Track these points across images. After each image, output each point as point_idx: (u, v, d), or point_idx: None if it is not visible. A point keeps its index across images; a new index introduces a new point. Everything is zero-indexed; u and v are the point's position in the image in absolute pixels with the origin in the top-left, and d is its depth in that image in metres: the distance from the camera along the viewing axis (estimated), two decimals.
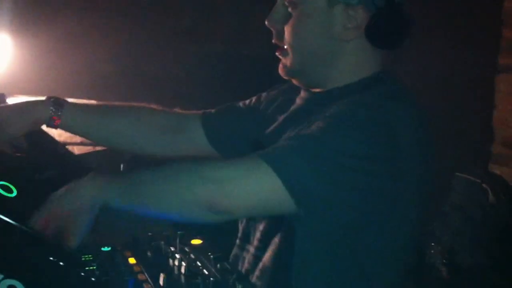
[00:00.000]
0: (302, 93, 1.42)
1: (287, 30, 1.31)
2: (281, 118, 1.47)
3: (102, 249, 1.90)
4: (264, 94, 1.60)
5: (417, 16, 3.05)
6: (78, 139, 2.42)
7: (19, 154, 1.78)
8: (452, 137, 3.08)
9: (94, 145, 2.43)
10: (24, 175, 1.77)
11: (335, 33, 1.27)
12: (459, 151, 2.98)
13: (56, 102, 1.58)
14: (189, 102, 3.37)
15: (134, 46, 3.21)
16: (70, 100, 2.52)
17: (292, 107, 1.45)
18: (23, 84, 2.72)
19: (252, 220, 1.44)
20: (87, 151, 2.36)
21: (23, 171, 1.73)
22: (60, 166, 1.89)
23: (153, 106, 1.72)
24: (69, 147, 2.27)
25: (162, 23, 3.27)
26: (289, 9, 1.29)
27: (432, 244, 1.32)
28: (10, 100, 2.38)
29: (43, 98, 1.64)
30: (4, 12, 2.57)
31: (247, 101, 1.65)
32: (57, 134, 2.39)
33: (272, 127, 1.48)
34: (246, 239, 1.47)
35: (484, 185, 2.21)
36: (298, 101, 1.42)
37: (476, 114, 3.13)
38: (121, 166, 2.42)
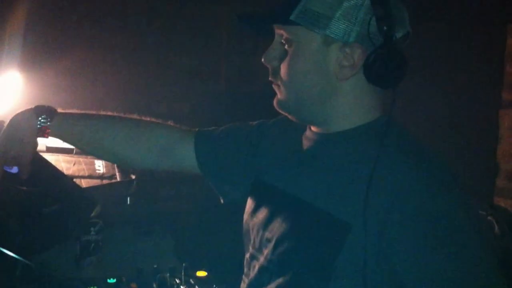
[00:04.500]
0: (308, 133, 1.40)
1: (282, 67, 1.28)
2: (281, 162, 1.41)
3: (108, 280, 1.91)
4: (267, 124, 1.58)
5: (423, 52, 3.12)
6: (85, 172, 2.44)
7: (25, 188, 1.79)
8: (457, 171, 3.08)
9: (102, 178, 2.45)
10: (30, 208, 1.79)
11: (331, 72, 1.24)
12: (464, 184, 2.98)
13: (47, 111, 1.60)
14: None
15: (141, 83, 3.26)
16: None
17: (296, 146, 1.42)
18: None
19: (255, 259, 1.41)
20: (94, 184, 2.37)
21: (30, 204, 1.74)
22: (66, 199, 1.91)
23: (151, 119, 1.69)
24: (77, 180, 2.30)
25: (168, 62, 3.33)
26: (285, 47, 1.29)
27: None
28: None
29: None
30: (14, 49, 2.61)
31: (248, 127, 1.60)
32: (65, 168, 2.43)
33: (271, 171, 1.44)
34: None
35: (489, 217, 2.21)
36: (304, 141, 1.40)
37: (480, 148, 3.14)
38: (128, 199, 2.45)
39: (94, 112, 1.69)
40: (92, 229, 2.08)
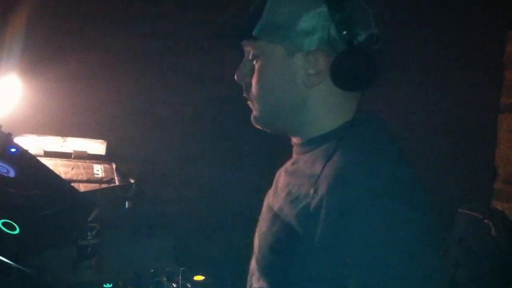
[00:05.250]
0: (293, 151, 1.40)
1: (252, 82, 1.30)
2: (276, 180, 1.44)
3: (104, 285, 1.92)
4: None
5: (422, 57, 3.13)
6: (84, 176, 2.45)
7: (21, 192, 1.80)
8: (456, 174, 3.09)
9: (100, 182, 2.46)
10: (27, 212, 1.79)
11: (299, 81, 1.25)
12: (462, 187, 2.98)
13: None
14: (197, 142, 3.43)
15: (144, 87, 3.27)
16: (79, 138, 2.59)
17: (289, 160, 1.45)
18: (32, 124, 2.77)
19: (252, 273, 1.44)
20: (93, 188, 2.38)
21: (27, 208, 1.75)
22: (63, 203, 1.92)
23: None
24: (75, 184, 2.30)
25: (171, 66, 3.33)
26: (253, 62, 1.31)
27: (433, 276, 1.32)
28: (18, 139, 2.43)
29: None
30: (13, 53, 2.61)
31: None
32: (64, 172, 2.43)
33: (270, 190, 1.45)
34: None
35: (486, 220, 2.21)
36: (290, 160, 1.40)
37: (479, 152, 3.14)
38: (126, 203, 2.45)
39: None
40: (89, 233, 2.08)
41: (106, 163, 2.56)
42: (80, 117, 3.04)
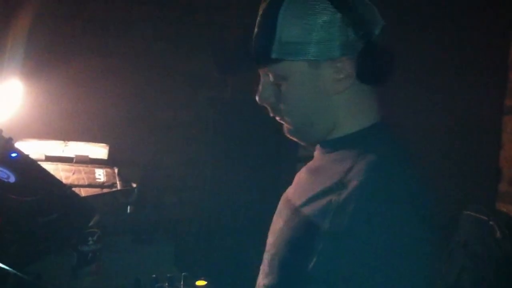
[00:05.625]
0: (315, 150, 1.40)
1: (282, 103, 1.30)
2: (296, 179, 1.44)
3: None
4: None
5: (426, 59, 3.11)
6: (85, 181, 2.44)
7: (21, 197, 1.79)
8: (460, 176, 3.08)
9: (102, 187, 2.44)
10: (25, 218, 1.78)
11: (329, 89, 1.26)
12: (467, 189, 2.97)
13: None
14: (198, 145, 3.43)
15: (146, 91, 3.26)
16: (81, 143, 2.58)
17: (307, 165, 1.46)
18: (33, 128, 2.77)
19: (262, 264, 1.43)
20: (94, 193, 2.36)
21: (25, 214, 1.74)
22: (63, 208, 1.90)
23: None
24: (76, 189, 2.29)
25: (173, 69, 3.33)
26: (277, 84, 1.30)
27: (438, 281, 1.31)
28: (19, 144, 2.42)
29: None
30: (15, 57, 2.60)
31: None
32: (65, 176, 2.42)
33: (290, 187, 1.45)
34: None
35: (491, 222, 2.20)
36: (311, 160, 1.41)
37: (483, 153, 3.13)
38: (128, 208, 2.44)
39: None
40: (90, 238, 2.07)
41: (108, 168, 2.54)
42: (82, 121, 3.03)
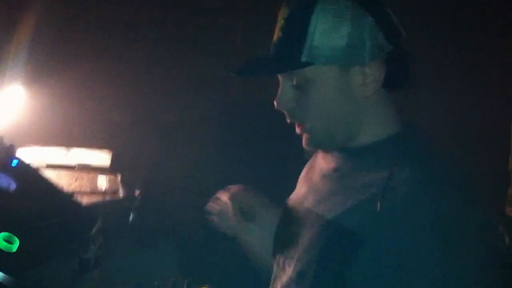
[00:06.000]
0: (327, 156, 1.38)
1: (306, 108, 1.26)
2: (305, 183, 1.43)
3: None
4: None
5: (435, 62, 3.08)
6: (88, 188, 2.42)
7: (24, 205, 1.77)
8: (469, 180, 3.04)
9: (104, 194, 2.43)
10: (27, 223, 1.76)
11: (356, 95, 1.24)
12: (482, 201, 2.94)
13: None
14: (202, 148, 3.40)
15: (150, 94, 3.24)
16: (83, 149, 2.57)
17: (318, 163, 1.43)
18: (35, 134, 2.74)
19: (277, 278, 1.40)
20: (96, 200, 2.35)
21: (28, 221, 1.72)
22: (63, 215, 1.89)
23: None
24: (78, 196, 2.27)
25: (176, 71, 3.30)
26: (301, 88, 1.25)
27: None
28: (22, 150, 2.41)
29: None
30: (16, 62, 2.59)
31: None
32: (67, 183, 2.41)
33: (297, 192, 1.45)
34: None
35: (500, 228, 2.16)
36: (327, 156, 1.38)
37: (492, 158, 3.10)
38: (131, 215, 2.42)
39: None
40: (92, 245, 2.05)
41: (111, 174, 2.53)
42: (85, 126, 3.02)
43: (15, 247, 1.61)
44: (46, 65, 2.89)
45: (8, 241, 1.62)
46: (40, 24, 2.80)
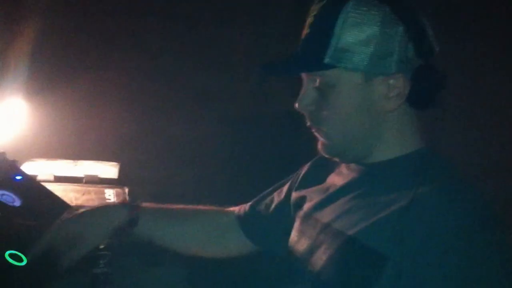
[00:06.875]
0: (343, 168, 1.36)
1: (325, 112, 1.23)
2: (319, 195, 1.40)
3: None
4: (296, 176, 1.58)
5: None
6: (95, 202, 2.38)
7: (29, 222, 1.74)
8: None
9: None
10: (30, 243, 1.70)
11: (377, 106, 1.21)
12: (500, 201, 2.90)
13: (132, 207, 1.59)
14: (211, 161, 3.36)
15: (155, 106, 3.22)
16: (90, 161, 2.54)
17: (334, 177, 1.39)
18: (42, 147, 2.73)
19: None
20: None
21: (34, 238, 1.67)
22: None
23: (210, 207, 1.81)
24: None
25: (182, 84, 3.28)
26: (322, 91, 1.22)
27: None
28: (28, 164, 2.38)
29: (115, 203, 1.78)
30: (20, 74, 2.58)
31: (283, 186, 1.63)
32: (74, 198, 2.36)
33: (311, 205, 1.42)
34: None
35: None
36: (343, 171, 1.36)
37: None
38: None
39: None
40: (101, 261, 2.01)
41: (119, 188, 2.49)
42: (91, 139, 3.00)
43: (22, 264, 1.58)
44: (50, 76, 2.87)
45: (15, 258, 1.59)
46: (42, 34, 2.78)
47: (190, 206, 1.80)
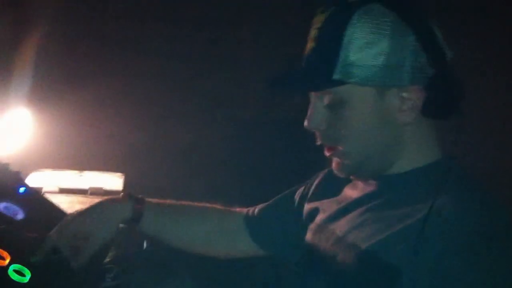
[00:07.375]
0: (359, 181, 1.33)
1: (342, 131, 1.20)
2: (333, 207, 1.37)
3: None
4: (309, 185, 1.55)
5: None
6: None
7: (32, 235, 1.71)
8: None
9: None
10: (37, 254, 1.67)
11: (393, 119, 1.18)
12: None
13: (137, 201, 1.61)
14: (218, 171, 3.33)
15: (164, 113, 3.20)
16: (96, 172, 2.51)
17: (349, 188, 1.36)
18: (48, 157, 2.70)
19: None
20: None
21: (33, 252, 1.65)
22: None
23: (216, 206, 1.76)
24: None
25: (191, 89, 3.25)
26: (333, 108, 1.19)
27: None
28: (33, 175, 2.35)
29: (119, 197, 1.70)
30: (24, 83, 2.57)
31: (294, 193, 1.62)
32: (79, 209, 2.33)
33: (324, 216, 1.39)
34: None
35: None
36: (358, 182, 1.33)
37: None
38: (144, 243, 2.35)
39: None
40: (107, 275, 1.98)
41: None
42: (97, 148, 2.98)
43: (26, 279, 1.56)
44: (55, 85, 2.86)
45: (20, 273, 1.56)
46: (46, 41, 2.76)
47: (196, 203, 1.76)
